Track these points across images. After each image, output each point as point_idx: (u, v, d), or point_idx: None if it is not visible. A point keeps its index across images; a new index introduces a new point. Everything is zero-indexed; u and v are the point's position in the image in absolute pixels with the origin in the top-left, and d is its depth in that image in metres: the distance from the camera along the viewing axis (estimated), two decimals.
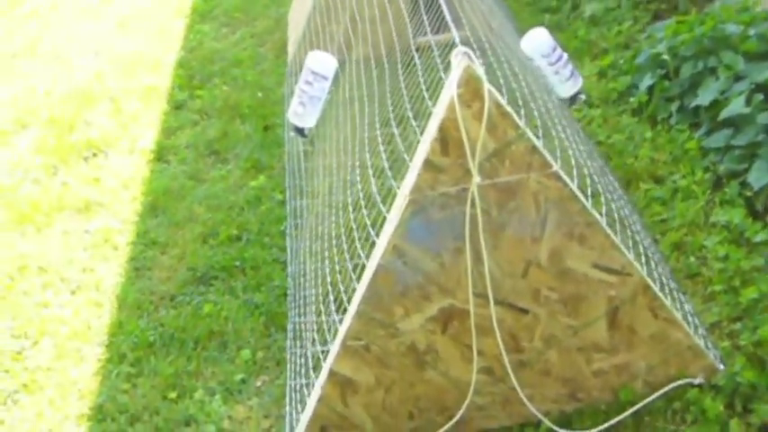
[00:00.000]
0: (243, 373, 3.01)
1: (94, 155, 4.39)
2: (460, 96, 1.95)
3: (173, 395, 2.97)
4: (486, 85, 1.94)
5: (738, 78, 3.47)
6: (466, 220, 2.12)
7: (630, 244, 2.45)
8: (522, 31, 4.60)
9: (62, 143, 4.47)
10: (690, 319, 2.65)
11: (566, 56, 3.36)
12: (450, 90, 1.94)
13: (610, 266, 2.29)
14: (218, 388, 2.97)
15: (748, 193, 3.13)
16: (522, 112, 2.08)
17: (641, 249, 2.50)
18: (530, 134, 2.04)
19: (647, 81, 3.81)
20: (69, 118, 4.69)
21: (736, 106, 3.29)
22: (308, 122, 3.42)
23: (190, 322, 3.24)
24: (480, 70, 1.95)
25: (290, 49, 4.77)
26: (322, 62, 3.38)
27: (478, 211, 2.10)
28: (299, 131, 3.44)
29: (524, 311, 2.34)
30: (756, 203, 3.11)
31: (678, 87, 3.69)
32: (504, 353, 2.31)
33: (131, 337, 3.21)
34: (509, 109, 2.00)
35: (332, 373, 2.41)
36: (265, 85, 4.68)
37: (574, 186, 2.15)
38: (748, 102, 3.27)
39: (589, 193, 3.08)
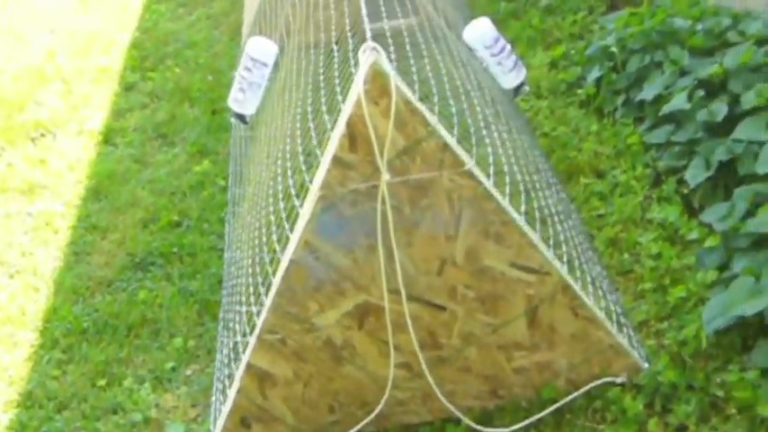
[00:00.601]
0: (173, 361, 3.00)
1: (42, 135, 4.34)
2: (367, 93, 1.93)
3: (102, 382, 2.95)
4: (394, 82, 1.92)
5: (683, 73, 3.46)
6: (377, 217, 2.10)
7: (552, 242, 2.44)
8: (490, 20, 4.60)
9: (10, 123, 4.42)
10: (616, 317, 2.65)
11: (509, 47, 3.34)
12: (356, 86, 1.91)
13: (527, 265, 2.28)
14: (147, 376, 2.96)
15: (685, 191, 3.13)
16: (436, 108, 2.05)
17: (564, 248, 2.48)
18: (442, 131, 2.02)
19: (594, 73, 3.80)
20: (19, 97, 4.63)
21: (678, 102, 3.28)
22: (248, 109, 3.38)
23: (124, 309, 3.22)
24: (388, 66, 1.93)
25: (244, 31, 4.71)
26: (262, 48, 3.33)
27: (388, 208, 2.08)
28: (240, 118, 3.41)
29: (441, 308, 2.33)
30: (693, 201, 3.11)
31: (625, 81, 3.67)
32: (418, 350, 2.30)
33: (65, 323, 3.19)
34: (419, 106, 1.98)
35: (249, 366, 2.40)
36: (217, 68, 4.63)
37: (489, 184, 2.14)
38: (690, 98, 3.26)
39: (521, 189, 3.09)
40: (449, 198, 2.13)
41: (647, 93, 3.49)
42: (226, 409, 2.51)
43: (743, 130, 3.00)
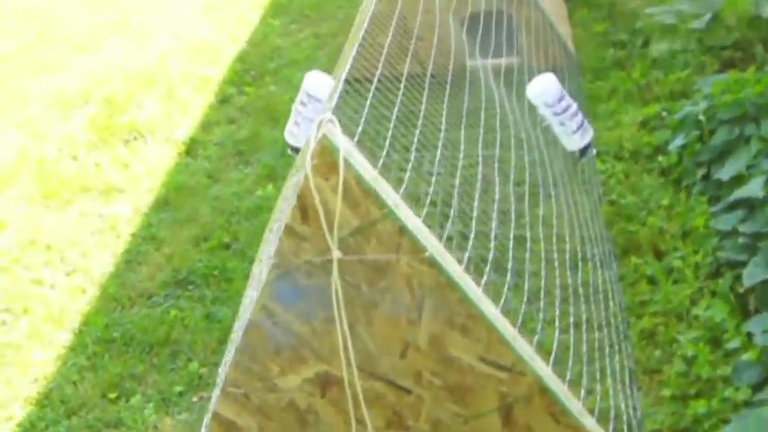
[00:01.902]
0: (183, 385, 3.04)
1: (135, 139, 4.53)
2: (315, 168, 1.84)
3: (112, 395, 3.04)
4: (342, 160, 1.82)
5: None
6: (333, 292, 2.01)
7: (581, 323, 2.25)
8: (583, 66, 4.37)
9: (110, 123, 4.65)
10: (627, 422, 2.43)
11: (574, 107, 3.16)
12: (306, 160, 1.84)
13: (498, 362, 2.11)
14: (154, 396, 3.01)
15: (741, 289, 2.81)
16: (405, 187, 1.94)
17: (597, 334, 2.30)
18: (400, 214, 1.90)
19: (679, 140, 3.50)
20: (125, 98, 4.86)
21: (753, 187, 2.95)
22: (302, 142, 3.38)
23: (153, 325, 3.29)
24: (342, 141, 1.83)
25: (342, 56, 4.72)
26: (317, 84, 3.32)
27: (337, 286, 1.99)
28: (296, 150, 3.41)
29: (407, 391, 2.21)
30: (749, 302, 2.79)
31: (708, 153, 3.36)
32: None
33: (97, 331, 3.30)
34: (374, 186, 1.87)
35: (215, 415, 2.37)
36: None
37: (454, 273, 1.99)
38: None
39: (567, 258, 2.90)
40: (408, 283, 2.00)
41: (726, 171, 3.17)
42: None
43: None
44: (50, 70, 5.42)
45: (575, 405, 2.23)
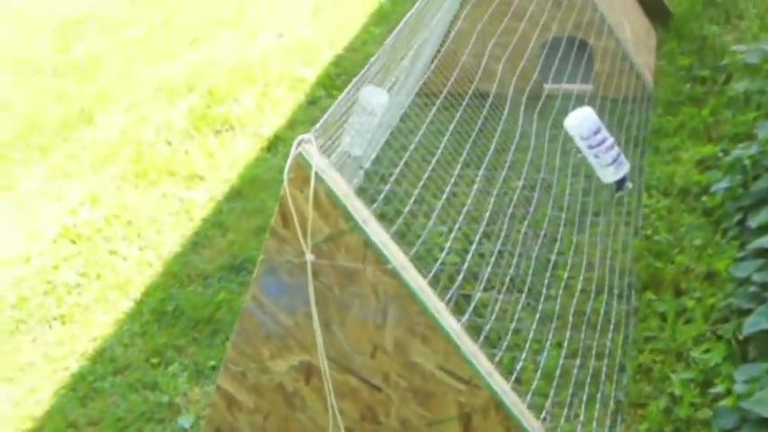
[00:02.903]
0: (217, 361, 3.34)
1: (226, 130, 4.92)
2: (291, 180, 2.08)
3: (155, 361, 3.40)
4: (314, 176, 2.05)
5: None
6: (310, 290, 2.25)
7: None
8: (659, 99, 4.38)
9: (207, 113, 5.05)
10: None
11: (610, 141, 3.24)
12: (285, 174, 2.08)
13: (456, 373, 2.28)
14: (190, 366, 3.34)
15: (741, 337, 2.83)
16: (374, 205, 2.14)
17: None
18: (366, 228, 2.11)
19: (724, 183, 3.49)
20: (225, 91, 5.26)
21: None
22: (356, 151, 3.62)
23: (202, 303, 3.63)
24: (317, 159, 2.06)
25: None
26: (371, 99, 3.54)
27: (310, 286, 2.22)
28: (352, 158, 3.67)
29: (378, 388, 2.41)
30: (748, 350, 2.81)
31: (748, 199, 3.35)
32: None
33: (154, 303, 3.68)
34: (344, 201, 2.08)
35: (218, 387, 2.66)
36: None
37: (416, 286, 2.18)
38: None
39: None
40: (374, 290, 2.21)
41: (757, 218, 3.17)
42: (207, 416, 2.81)
43: None
44: (165, 59, 5.91)
45: (531, 424, 2.37)
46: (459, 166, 4.00)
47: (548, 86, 4.60)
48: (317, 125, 2.22)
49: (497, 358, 3.00)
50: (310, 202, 2.08)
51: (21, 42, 6.56)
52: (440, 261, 2.78)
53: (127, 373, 3.36)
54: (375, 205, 3.50)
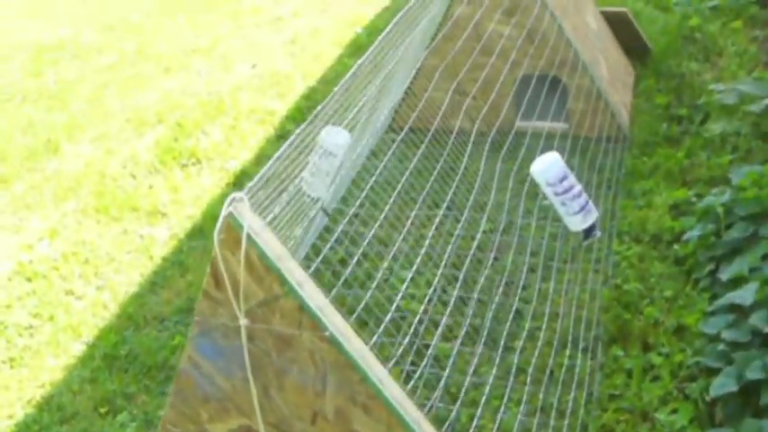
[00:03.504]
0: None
1: (192, 164, 4.80)
2: (223, 241, 1.96)
3: (103, 410, 3.26)
4: (245, 238, 1.93)
5: None
6: (245, 355, 2.12)
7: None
8: (634, 139, 4.28)
9: (173, 147, 4.93)
10: None
11: (577, 188, 3.12)
12: (215, 234, 1.96)
13: None
14: (139, 416, 3.20)
15: (708, 398, 2.71)
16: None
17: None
18: (302, 292, 1.98)
19: (697, 231, 3.38)
20: (194, 124, 5.15)
21: (744, 294, 2.84)
22: (314, 193, 3.51)
23: (155, 348, 3.49)
24: (250, 219, 1.94)
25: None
26: (332, 139, 3.43)
27: (245, 351, 2.09)
28: (311, 199, 3.55)
29: None
30: (716, 412, 2.69)
31: (720, 248, 3.24)
32: None
33: (107, 347, 3.54)
34: (277, 264, 1.96)
35: None
36: None
37: (356, 354, 2.05)
38: (761, 291, 2.81)
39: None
40: (312, 357, 2.08)
41: (728, 271, 3.06)
42: None
43: None
44: (137, 87, 5.80)
45: None
46: (425, 206, 3.89)
47: (520, 124, 4.51)
48: (253, 181, 2.11)
49: (453, 414, 2.90)
50: (242, 265, 1.96)
51: None
52: (392, 310, 2.68)
53: (74, 423, 3.22)
54: (339, 248, 3.36)
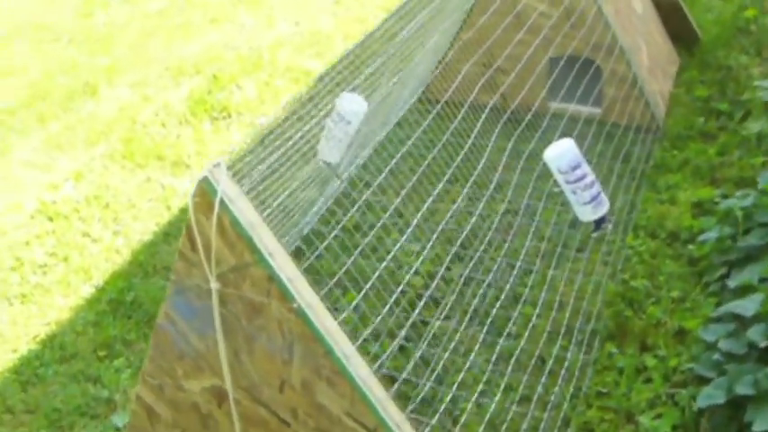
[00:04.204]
0: None
1: (223, 118, 4.82)
2: (197, 205, 1.97)
3: (102, 353, 3.33)
4: (218, 204, 1.93)
5: None
6: (216, 317, 2.14)
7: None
8: (667, 131, 4.16)
9: (206, 99, 4.95)
10: None
11: (590, 178, 3.05)
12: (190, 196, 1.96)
13: (362, 421, 2.16)
14: (135, 363, 3.26)
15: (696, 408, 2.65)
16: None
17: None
18: (272, 262, 1.98)
19: (713, 233, 3.28)
20: (229, 77, 5.16)
21: (747, 304, 2.75)
22: (330, 158, 3.50)
23: (161, 298, 3.52)
24: (224, 185, 1.93)
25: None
26: (348, 106, 3.41)
27: (216, 315, 2.10)
28: (325, 163, 3.54)
29: (286, 423, 2.30)
30: (701, 422, 2.63)
31: (735, 253, 3.14)
32: None
33: (114, 291, 3.60)
34: (249, 231, 1.96)
35: (138, 398, 2.57)
36: None
37: (322, 328, 2.05)
38: (765, 303, 2.72)
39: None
40: (280, 327, 2.09)
41: (737, 278, 2.96)
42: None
43: None
44: (181, 37, 5.83)
45: None
46: (444, 181, 3.85)
47: (551, 104, 4.41)
48: (234, 148, 2.10)
49: (426, 390, 2.89)
50: (213, 229, 1.96)
51: (45, 8, 6.53)
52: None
53: (72, 363, 3.30)
54: (353, 213, 3.36)
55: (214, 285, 2.07)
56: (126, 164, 4.45)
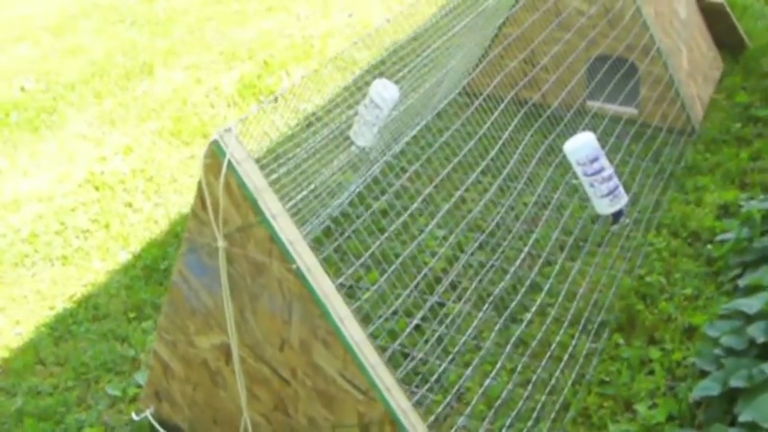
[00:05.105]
0: None
1: (271, 103, 4.96)
2: (207, 166, 2.10)
3: (132, 315, 3.51)
4: (226, 165, 2.06)
5: None
6: (223, 274, 2.27)
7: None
8: (703, 134, 4.16)
9: (255, 83, 5.13)
10: None
11: (608, 171, 3.11)
12: (202, 158, 2.09)
13: (354, 382, 2.26)
14: None
15: (691, 399, 2.68)
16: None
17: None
18: (275, 223, 2.10)
19: (732, 234, 3.29)
20: (279, 63, 5.32)
21: (752, 302, 2.77)
22: (361, 141, 3.62)
23: None
24: (233, 148, 2.06)
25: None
26: (381, 92, 3.52)
27: (223, 272, 2.24)
28: (358, 148, 3.67)
29: (287, 382, 2.42)
30: (697, 414, 2.66)
31: (750, 254, 3.14)
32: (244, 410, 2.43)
33: (148, 259, 3.78)
34: (254, 194, 2.08)
35: (155, 352, 2.73)
36: None
37: (319, 290, 2.16)
38: None
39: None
40: (280, 286, 2.21)
41: (748, 277, 2.97)
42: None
43: None
44: (238, 23, 6.03)
45: None
46: (478, 172, 3.93)
47: (589, 103, 4.44)
48: (245, 115, 2.23)
49: (440, 371, 2.97)
50: (221, 189, 2.10)
51: None
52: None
53: (104, 322, 3.49)
54: (383, 198, 3.48)
55: (221, 244, 2.20)
56: (173, 141, 4.65)
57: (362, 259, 2.98)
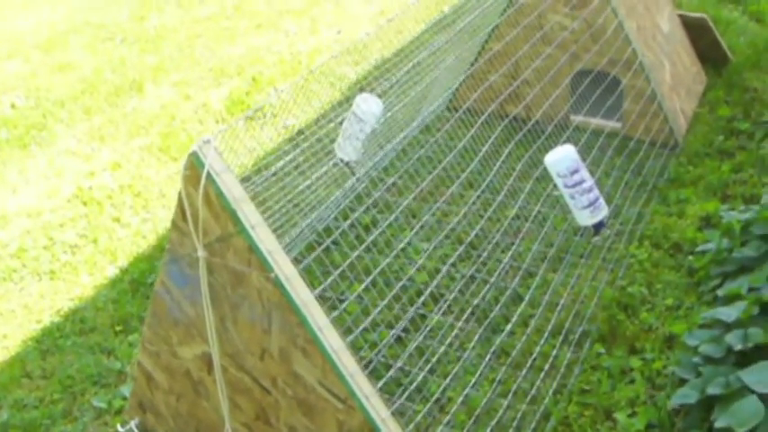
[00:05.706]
0: None
1: (257, 118, 5.02)
2: (187, 177, 2.13)
3: (118, 328, 3.53)
4: (205, 176, 2.09)
5: None
6: (203, 284, 2.29)
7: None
8: (686, 148, 4.21)
9: (243, 99, 5.17)
10: None
11: (588, 183, 3.14)
12: (182, 169, 2.13)
13: (333, 391, 2.29)
14: None
15: (670, 408, 2.71)
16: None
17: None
18: (253, 234, 2.13)
19: (712, 245, 3.33)
20: (267, 80, 5.37)
21: (728, 311, 2.80)
22: (344, 155, 3.66)
23: None
24: (212, 160, 2.10)
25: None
26: (364, 107, 3.56)
27: (203, 281, 2.26)
28: (341, 161, 3.70)
29: (267, 391, 2.44)
30: (677, 421, 2.68)
31: (731, 265, 3.18)
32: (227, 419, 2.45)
33: (136, 273, 3.81)
34: (233, 205, 2.11)
35: (139, 363, 2.75)
36: None
37: (298, 299, 2.19)
38: (747, 310, 2.77)
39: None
40: (259, 296, 2.23)
41: (727, 287, 3.01)
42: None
43: (754, 372, 2.51)
44: (227, 40, 6.08)
45: None
46: (458, 184, 3.96)
47: (573, 117, 4.49)
48: (223, 127, 2.26)
49: (421, 380, 2.99)
50: (200, 200, 2.13)
51: (103, 9, 6.87)
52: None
53: (90, 336, 3.51)
54: (362, 212, 3.52)
55: (201, 254, 2.23)
56: (161, 156, 4.68)
57: (340, 269, 2.98)
